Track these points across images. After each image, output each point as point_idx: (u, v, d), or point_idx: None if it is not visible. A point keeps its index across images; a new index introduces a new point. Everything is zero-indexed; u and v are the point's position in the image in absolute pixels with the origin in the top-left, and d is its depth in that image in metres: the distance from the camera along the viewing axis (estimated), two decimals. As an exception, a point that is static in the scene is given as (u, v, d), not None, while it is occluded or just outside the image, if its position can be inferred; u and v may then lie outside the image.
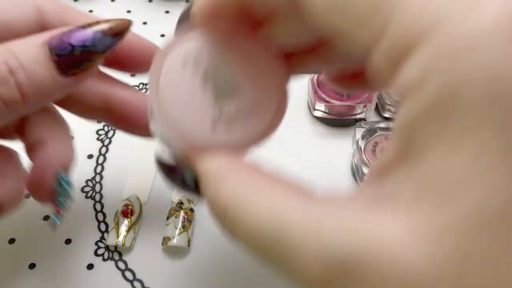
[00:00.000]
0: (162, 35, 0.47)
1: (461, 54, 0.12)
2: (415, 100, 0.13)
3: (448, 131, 0.12)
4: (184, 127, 0.19)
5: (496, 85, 0.11)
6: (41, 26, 0.24)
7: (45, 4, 0.25)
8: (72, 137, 0.28)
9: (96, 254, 0.33)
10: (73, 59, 0.21)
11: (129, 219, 0.34)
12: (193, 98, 0.19)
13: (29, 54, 0.21)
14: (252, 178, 0.17)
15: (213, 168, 0.18)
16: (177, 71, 0.19)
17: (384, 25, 0.13)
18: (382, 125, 0.38)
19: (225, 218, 0.17)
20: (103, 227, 0.35)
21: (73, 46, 0.21)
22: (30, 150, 0.26)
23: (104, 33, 0.21)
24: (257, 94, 0.20)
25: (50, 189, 0.25)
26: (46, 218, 0.35)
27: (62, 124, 0.28)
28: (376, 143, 0.37)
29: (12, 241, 0.34)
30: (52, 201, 0.25)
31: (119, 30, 0.22)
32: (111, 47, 0.22)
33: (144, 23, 0.48)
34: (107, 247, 0.34)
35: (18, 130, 0.27)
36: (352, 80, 0.24)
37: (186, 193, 0.22)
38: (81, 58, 0.21)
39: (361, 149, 0.37)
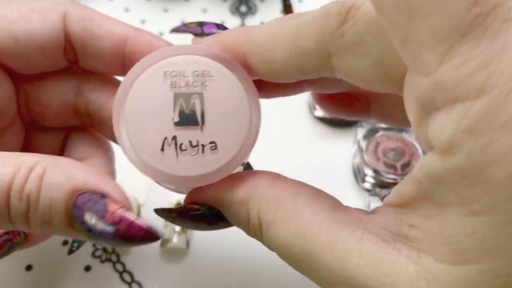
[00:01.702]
0: (161, 34, 0.46)
1: (502, 129, 0.12)
2: (446, 158, 0.13)
3: (473, 196, 0.13)
4: (139, 136, 0.19)
5: None
6: (64, 34, 0.24)
7: (70, 10, 0.24)
8: (112, 162, 0.28)
9: (93, 256, 0.33)
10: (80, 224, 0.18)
11: (127, 221, 0.33)
12: (157, 111, 0.19)
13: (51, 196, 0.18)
14: (277, 198, 0.18)
15: (237, 198, 0.19)
16: (157, 78, 0.19)
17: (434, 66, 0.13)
18: (383, 125, 0.37)
19: (260, 236, 0.19)
20: (100, 228, 0.34)
21: (81, 221, 0.18)
22: None
23: (114, 235, 0.18)
24: (219, 137, 0.19)
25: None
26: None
27: (100, 145, 0.27)
28: (377, 143, 0.37)
29: (8, 242, 0.33)
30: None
31: (132, 238, 0.18)
32: (114, 240, 0.18)
33: (143, 21, 0.47)
34: (104, 249, 0.33)
35: (59, 153, 0.27)
36: (344, 102, 0.25)
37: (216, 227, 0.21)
38: (84, 232, 0.18)
39: (362, 149, 0.36)
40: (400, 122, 0.25)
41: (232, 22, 0.48)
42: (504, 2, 0.12)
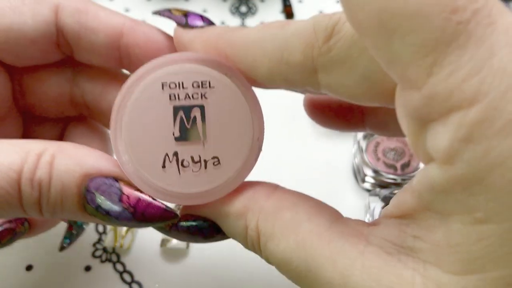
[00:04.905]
0: (161, 34, 0.46)
1: (499, 135, 0.12)
2: (446, 169, 0.13)
3: (476, 205, 0.13)
4: (138, 151, 0.18)
5: None
6: (56, 28, 0.23)
7: (63, 2, 0.23)
8: (111, 151, 0.27)
9: (93, 256, 0.33)
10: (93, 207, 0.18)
11: (127, 221, 0.33)
12: (157, 125, 0.18)
13: (65, 184, 0.18)
14: (275, 209, 0.18)
15: (234, 210, 0.19)
16: (155, 90, 0.19)
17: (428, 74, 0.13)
18: (383, 125, 0.37)
19: (258, 249, 0.18)
20: (100, 228, 0.34)
21: (96, 206, 0.18)
22: None
23: (133, 216, 0.18)
24: (222, 152, 0.19)
25: None
26: (43, 219, 0.34)
27: (98, 135, 0.27)
28: (377, 144, 0.37)
29: (8, 242, 0.33)
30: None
31: (151, 219, 0.18)
32: (129, 222, 0.18)
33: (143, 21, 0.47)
34: (104, 249, 0.33)
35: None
36: (333, 114, 0.25)
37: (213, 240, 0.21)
38: (96, 213, 0.18)
39: (362, 149, 0.36)
40: (396, 132, 0.25)
41: (232, 22, 0.48)
42: (484, 6, 0.12)
